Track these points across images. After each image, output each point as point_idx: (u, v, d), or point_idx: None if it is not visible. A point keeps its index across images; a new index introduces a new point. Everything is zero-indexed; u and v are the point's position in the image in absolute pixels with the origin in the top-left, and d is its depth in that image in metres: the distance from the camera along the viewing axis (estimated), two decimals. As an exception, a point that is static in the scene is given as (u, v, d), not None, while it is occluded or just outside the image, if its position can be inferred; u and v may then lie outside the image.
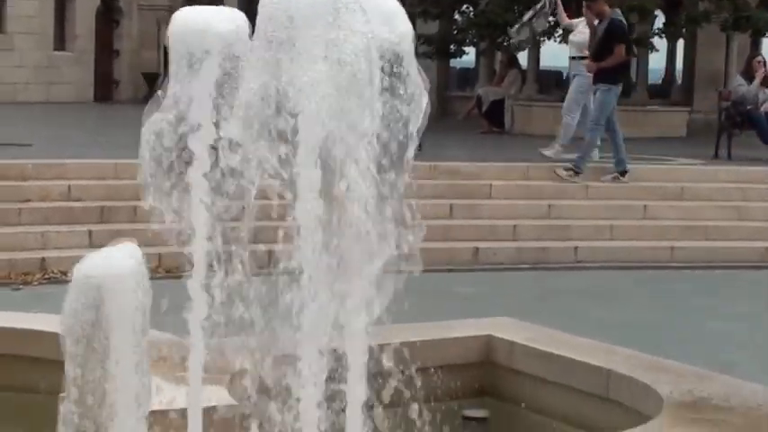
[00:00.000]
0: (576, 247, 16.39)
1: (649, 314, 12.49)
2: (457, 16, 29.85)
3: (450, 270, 14.45)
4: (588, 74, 18.62)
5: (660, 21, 32.00)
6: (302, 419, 4.04)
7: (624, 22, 18.98)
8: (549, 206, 17.34)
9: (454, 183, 17.19)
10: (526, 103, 28.21)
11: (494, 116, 27.28)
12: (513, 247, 16.24)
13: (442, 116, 29.30)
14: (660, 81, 36.37)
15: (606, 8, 18.36)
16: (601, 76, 18.18)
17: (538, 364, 6.73)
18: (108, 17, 36.30)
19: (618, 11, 18.64)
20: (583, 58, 19.29)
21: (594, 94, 18.59)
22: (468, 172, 17.68)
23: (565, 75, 35.79)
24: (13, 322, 7.20)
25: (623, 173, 18.00)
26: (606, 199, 17.76)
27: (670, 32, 30.42)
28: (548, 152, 19.31)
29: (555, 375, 6.58)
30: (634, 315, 12.30)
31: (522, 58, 31.79)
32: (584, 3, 19.48)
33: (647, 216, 17.48)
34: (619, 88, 18.38)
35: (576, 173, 17.78)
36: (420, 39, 26.03)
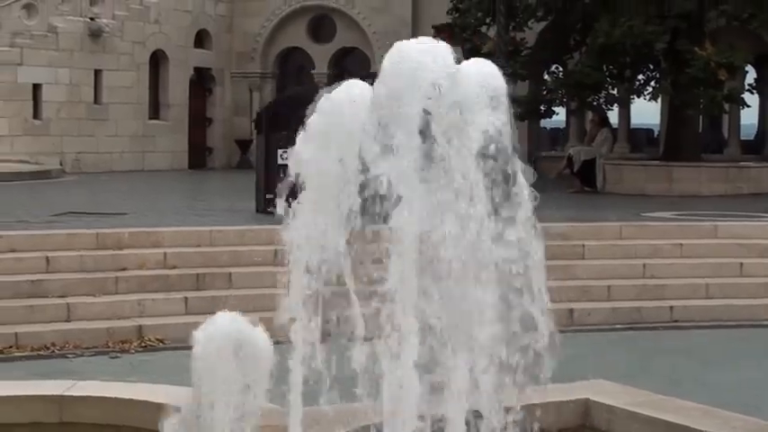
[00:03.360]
0: (671, 307, 16.17)
1: (750, 374, 12.25)
2: (546, 76, 29.82)
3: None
4: None
5: (752, 76, 31.76)
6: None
7: None
8: (644, 265, 17.15)
9: (547, 243, 17.05)
10: (617, 163, 28.08)
11: (585, 175, 27.16)
12: (608, 308, 16.07)
13: (533, 176, 29.10)
14: (753, 137, 35.94)
15: None
16: None
17: (639, 430, 6.62)
18: (201, 86, 36.81)
19: None
20: None
21: None
22: (560, 232, 17.54)
23: (656, 133, 35.64)
24: (115, 392, 7.25)
25: None
26: (701, 257, 17.52)
27: (761, 87, 30.14)
28: None
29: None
30: (734, 375, 12.06)
31: (613, 116, 31.68)
32: None
33: (744, 274, 17.22)
34: None
35: None
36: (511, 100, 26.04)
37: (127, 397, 7.03)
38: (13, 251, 15.24)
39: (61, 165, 30.27)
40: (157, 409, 5.87)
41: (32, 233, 15.97)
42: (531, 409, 6.75)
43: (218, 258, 15.60)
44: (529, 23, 27.76)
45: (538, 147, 34.56)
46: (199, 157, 36.22)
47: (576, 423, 6.97)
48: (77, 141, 31.64)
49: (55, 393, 7.14)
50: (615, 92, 28.10)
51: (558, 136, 37.19)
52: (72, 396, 7.10)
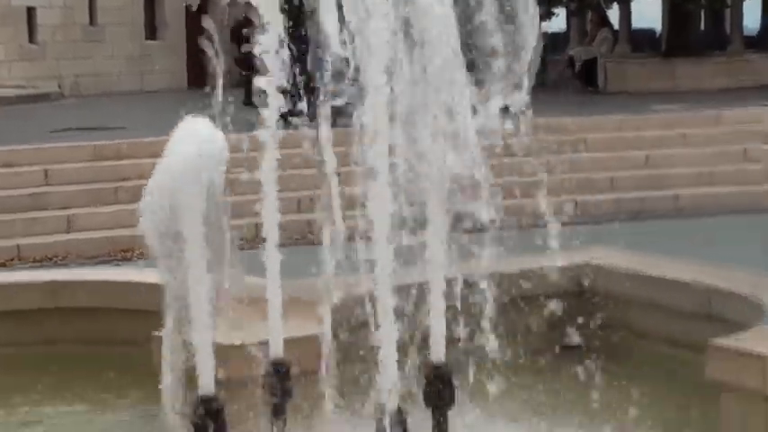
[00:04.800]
0: (676, 195, 16.11)
1: (754, 254, 12.16)
2: (543, -22, 29.45)
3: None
4: None
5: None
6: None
7: None
8: (647, 156, 17.07)
9: (548, 137, 16.95)
10: (619, 61, 27.81)
11: (586, 75, 26.92)
12: (612, 199, 16.01)
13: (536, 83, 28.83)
14: (756, 34, 35.55)
15: None
16: None
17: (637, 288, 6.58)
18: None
19: None
20: None
21: None
22: (561, 126, 17.41)
23: (658, 34, 35.28)
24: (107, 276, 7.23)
25: None
26: (704, 146, 17.39)
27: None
28: None
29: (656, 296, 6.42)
30: (737, 253, 11.98)
31: (614, 19, 31.34)
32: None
33: (748, 159, 17.11)
34: None
35: None
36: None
37: (119, 279, 7.01)
38: (10, 166, 15.17)
39: (59, 88, 30.07)
40: (148, 290, 5.85)
41: (31, 147, 15.89)
42: (531, 273, 6.72)
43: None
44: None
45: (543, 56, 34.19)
46: (198, 76, 35.91)
47: (575, 287, 6.93)
48: (74, 64, 31.39)
49: (47, 279, 7.13)
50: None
51: (558, 40, 36.83)
52: (65, 281, 7.09)
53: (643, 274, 6.54)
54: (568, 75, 27.57)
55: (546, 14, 28.33)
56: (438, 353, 4.30)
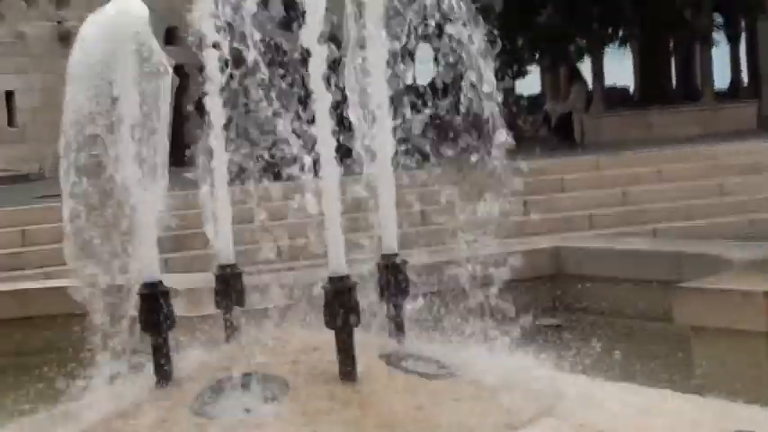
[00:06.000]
0: (654, 230, 16.10)
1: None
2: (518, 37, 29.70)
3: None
4: None
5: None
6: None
7: None
8: (623, 193, 17.09)
9: (526, 180, 16.98)
10: (596, 116, 27.92)
11: (563, 130, 26.98)
12: (591, 236, 15.97)
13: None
14: (727, 87, 35.84)
15: None
16: None
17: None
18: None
19: None
20: None
21: None
22: (538, 168, 17.41)
23: (631, 91, 35.50)
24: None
25: None
26: (680, 180, 17.42)
27: (730, 36, 30.05)
28: None
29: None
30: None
31: (588, 77, 31.54)
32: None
33: (724, 193, 17.14)
34: None
35: None
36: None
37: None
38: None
39: (40, 169, 30.06)
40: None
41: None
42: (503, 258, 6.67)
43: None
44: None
45: (516, 112, 34.35)
46: (180, 151, 35.97)
47: (548, 270, 6.89)
48: (54, 146, 31.42)
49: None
50: (585, 44, 28.00)
51: (534, 105, 37.05)
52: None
53: (613, 249, 6.50)
54: (544, 131, 27.66)
55: (519, 73, 28.59)
56: (390, 244, 4.15)
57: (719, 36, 30.76)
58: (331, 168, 3.86)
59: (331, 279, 3.73)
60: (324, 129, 3.93)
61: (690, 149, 18.38)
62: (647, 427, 3.64)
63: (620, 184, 17.22)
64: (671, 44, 25.75)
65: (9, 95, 30.95)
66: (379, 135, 4.34)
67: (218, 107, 4.63)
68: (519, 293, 6.28)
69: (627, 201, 16.92)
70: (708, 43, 27.46)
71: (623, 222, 16.33)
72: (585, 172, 17.61)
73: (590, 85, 30.51)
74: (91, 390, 4.23)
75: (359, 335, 3.76)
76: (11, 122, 31.02)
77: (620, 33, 27.60)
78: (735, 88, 34.47)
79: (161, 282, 4.17)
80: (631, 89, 35.93)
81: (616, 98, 35.51)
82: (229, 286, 4.43)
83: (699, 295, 5.07)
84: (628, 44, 28.55)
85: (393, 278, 4.16)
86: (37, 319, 7.16)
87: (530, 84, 34.91)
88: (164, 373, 4.01)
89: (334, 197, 3.81)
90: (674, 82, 32.89)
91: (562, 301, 6.70)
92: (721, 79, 35.76)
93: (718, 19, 30.31)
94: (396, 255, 4.24)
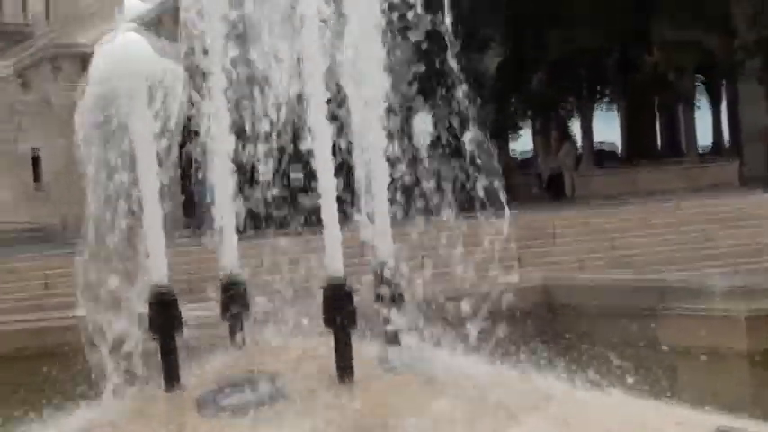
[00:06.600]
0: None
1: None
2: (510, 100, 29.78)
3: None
4: None
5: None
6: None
7: None
8: (612, 244, 17.02)
9: (519, 231, 16.91)
10: (584, 175, 27.91)
11: (554, 188, 26.96)
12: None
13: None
14: (710, 146, 35.91)
15: None
16: None
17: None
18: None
19: None
20: None
21: None
22: (533, 219, 17.36)
23: (619, 150, 35.53)
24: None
25: None
26: (666, 229, 17.34)
27: (711, 97, 30.14)
28: None
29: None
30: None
31: (577, 137, 31.60)
32: None
33: (708, 243, 17.05)
34: None
35: None
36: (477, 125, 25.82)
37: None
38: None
39: (62, 227, 30.04)
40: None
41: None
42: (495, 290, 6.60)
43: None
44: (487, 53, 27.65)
45: (510, 172, 34.36)
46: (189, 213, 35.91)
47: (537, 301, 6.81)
48: (76, 204, 31.41)
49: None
50: (574, 107, 28.09)
51: (528, 164, 37.07)
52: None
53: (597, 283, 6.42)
54: (537, 189, 27.65)
55: (513, 132, 28.62)
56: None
57: (702, 99, 30.81)
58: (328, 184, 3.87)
59: (330, 282, 3.71)
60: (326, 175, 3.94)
61: (673, 203, 18.31)
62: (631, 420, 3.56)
63: (609, 232, 17.15)
64: (656, 105, 25.69)
65: (36, 157, 31.04)
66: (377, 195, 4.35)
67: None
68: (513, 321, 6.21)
69: (615, 248, 16.83)
70: (691, 104, 27.50)
71: (611, 267, 16.19)
72: (576, 222, 17.56)
73: (579, 145, 30.61)
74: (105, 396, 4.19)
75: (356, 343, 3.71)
76: (37, 182, 31.07)
77: (607, 95, 27.65)
78: (717, 147, 34.51)
79: (170, 288, 4.17)
80: (619, 148, 36.00)
81: (604, 156, 35.64)
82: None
83: (684, 319, 5.00)
84: (615, 105, 28.57)
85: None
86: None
87: (523, 144, 34.97)
88: (173, 376, 3.97)
89: (332, 208, 3.80)
90: (659, 141, 32.93)
91: (552, 329, 6.62)
92: (704, 138, 35.88)
93: (701, 83, 30.45)
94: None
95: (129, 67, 4.37)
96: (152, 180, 4.46)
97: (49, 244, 23.53)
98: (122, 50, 4.40)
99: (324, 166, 3.99)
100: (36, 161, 30.93)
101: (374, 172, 4.45)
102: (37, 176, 31.04)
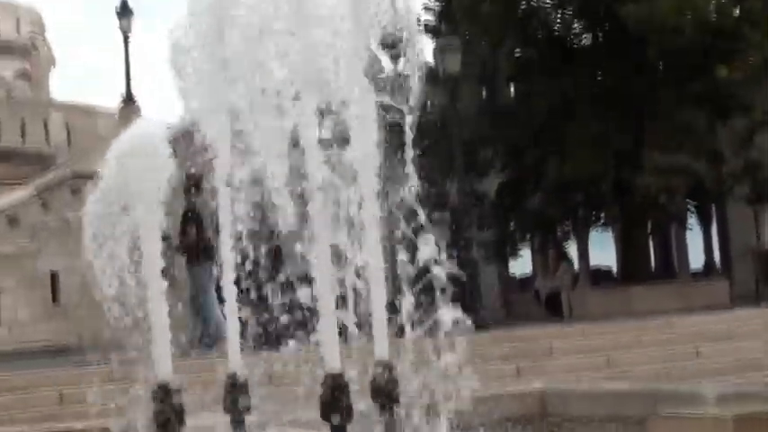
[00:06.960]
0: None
1: None
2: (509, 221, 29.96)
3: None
4: None
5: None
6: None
7: None
8: (608, 360, 17.00)
9: (516, 345, 16.97)
10: (582, 293, 27.98)
11: (552, 307, 27.01)
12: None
13: (507, 317, 29.01)
14: (702, 266, 35.96)
15: None
16: None
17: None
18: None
19: None
20: None
21: None
22: (531, 335, 17.44)
23: (615, 271, 35.55)
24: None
25: None
26: (659, 346, 17.35)
27: (701, 220, 30.29)
28: None
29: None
30: None
31: (574, 258, 31.72)
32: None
33: (700, 358, 17.04)
34: None
35: None
36: (478, 245, 26.00)
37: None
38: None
39: (81, 345, 29.99)
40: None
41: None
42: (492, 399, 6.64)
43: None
44: (488, 174, 27.96)
45: (510, 292, 34.43)
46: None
47: (534, 411, 6.83)
48: (95, 323, 31.41)
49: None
50: (571, 228, 28.25)
51: (527, 283, 37.10)
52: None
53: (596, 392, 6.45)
54: (535, 307, 27.69)
55: (513, 252, 28.73)
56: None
57: (693, 220, 30.97)
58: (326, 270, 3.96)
59: (328, 376, 3.75)
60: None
61: (666, 320, 18.37)
62: None
63: (605, 349, 17.14)
64: (649, 227, 25.86)
65: (54, 275, 31.12)
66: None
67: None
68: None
69: (611, 364, 16.80)
70: (682, 226, 27.66)
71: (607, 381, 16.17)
72: (572, 339, 17.57)
73: (576, 265, 30.73)
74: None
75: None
76: (54, 300, 31.11)
77: (602, 217, 27.84)
78: (708, 267, 34.56)
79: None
80: (614, 269, 36.03)
81: (600, 277, 35.68)
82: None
83: (674, 422, 5.04)
84: (610, 228, 28.72)
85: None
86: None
87: (522, 265, 35.04)
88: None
89: (330, 301, 3.89)
90: (652, 261, 33.00)
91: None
92: (696, 258, 35.95)
93: (692, 206, 30.63)
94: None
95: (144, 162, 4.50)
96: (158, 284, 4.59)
97: (66, 358, 23.52)
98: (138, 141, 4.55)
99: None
100: (54, 279, 30.99)
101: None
102: (55, 294, 31.09)
